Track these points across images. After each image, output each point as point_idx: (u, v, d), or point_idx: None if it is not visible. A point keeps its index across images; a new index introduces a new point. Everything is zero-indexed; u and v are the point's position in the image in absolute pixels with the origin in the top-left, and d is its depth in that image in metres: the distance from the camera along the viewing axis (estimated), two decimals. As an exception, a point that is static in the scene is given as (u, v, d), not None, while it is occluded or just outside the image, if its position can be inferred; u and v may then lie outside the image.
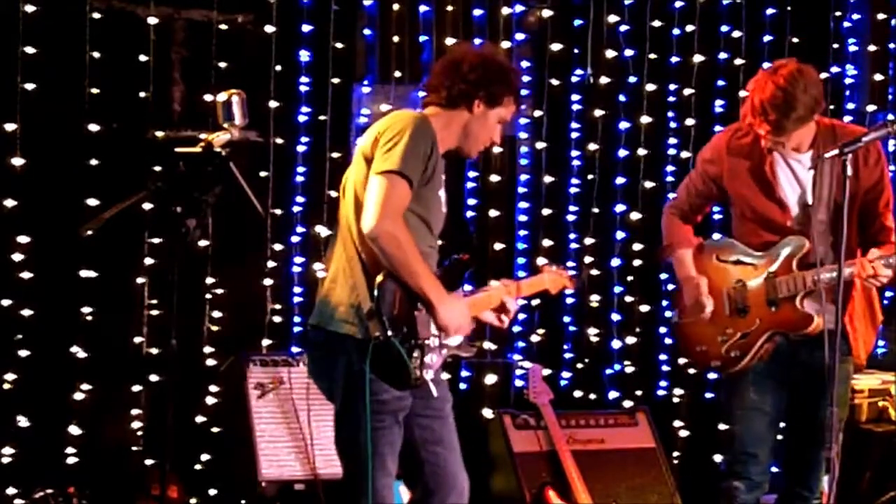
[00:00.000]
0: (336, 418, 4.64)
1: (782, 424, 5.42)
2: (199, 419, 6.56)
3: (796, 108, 5.04)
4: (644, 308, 7.37)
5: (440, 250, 4.76)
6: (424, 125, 4.57)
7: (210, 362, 6.59)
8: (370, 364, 4.44)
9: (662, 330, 7.33)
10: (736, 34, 7.48)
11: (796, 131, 5.13)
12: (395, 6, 6.90)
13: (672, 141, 7.42)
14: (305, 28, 6.72)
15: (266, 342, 6.68)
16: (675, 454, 7.22)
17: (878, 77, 7.78)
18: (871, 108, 7.73)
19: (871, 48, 7.75)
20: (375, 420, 4.48)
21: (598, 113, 7.28)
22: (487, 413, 6.81)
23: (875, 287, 5.21)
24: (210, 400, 6.57)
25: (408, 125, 4.53)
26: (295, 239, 6.74)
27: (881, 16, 7.76)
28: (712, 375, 6.88)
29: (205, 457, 6.54)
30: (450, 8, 6.92)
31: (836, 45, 7.59)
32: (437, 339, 4.59)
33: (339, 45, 6.72)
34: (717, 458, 6.92)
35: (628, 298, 7.34)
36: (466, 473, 4.74)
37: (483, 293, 4.86)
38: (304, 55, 6.73)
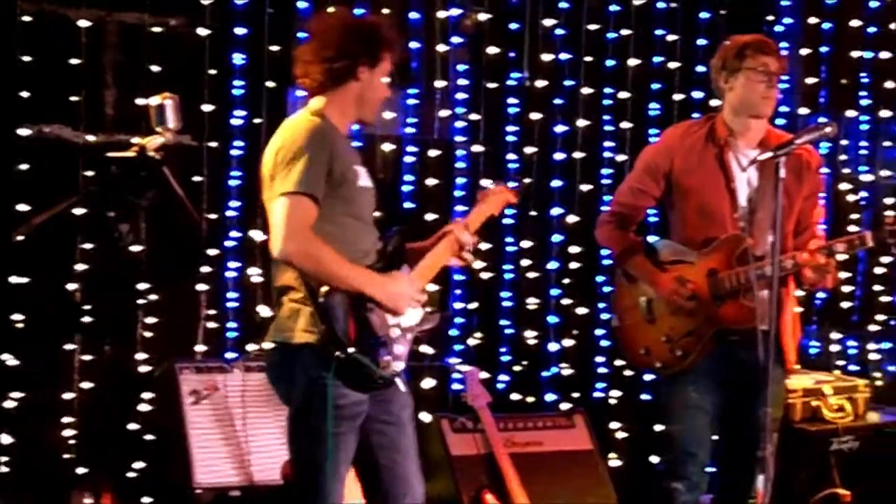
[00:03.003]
0: (291, 423, 4.61)
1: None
2: (133, 426, 6.48)
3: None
4: (581, 311, 7.37)
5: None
6: (319, 130, 4.53)
7: (143, 369, 6.52)
8: (334, 376, 4.43)
9: (599, 332, 7.35)
10: (671, 38, 7.51)
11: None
12: (331, 9, 6.85)
13: (608, 144, 7.42)
14: (239, 31, 6.66)
15: (200, 348, 6.63)
16: (613, 456, 7.22)
17: (811, 80, 7.84)
18: (803, 111, 7.79)
19: (804, 52, 7.82)
20: (332, 426, 4.46)
21: (535, 116, 7.28)
22: (425, 417, 6.79)
23: (814, 283, 5.25)
24: (143, 407, 6.49)
25: (301, 138, 4.49)
26: (230, 244, 6.68)
27: (813, 20, 7.83)
28: (649, 377, 6.94)
29: (138, 464, 6.46)
30: (386, 11, 6.88)
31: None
32: (398, 327, 4.58)
33: (273, 48, 6.68)
34: (654, 459, 6.96)
35: (565, 301, 7.34)
36: (423, 481, 4.75)
37: (433, 251, 4.82)
38: (239, 58, 6.67)
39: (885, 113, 7.97)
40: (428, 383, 6.97)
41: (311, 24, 4.81)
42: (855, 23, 7.87)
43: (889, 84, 7.93)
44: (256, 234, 6.54)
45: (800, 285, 5.40)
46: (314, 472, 4.50)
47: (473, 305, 7.16)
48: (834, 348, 7.93)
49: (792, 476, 6.43)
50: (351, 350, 4.43)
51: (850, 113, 7.95)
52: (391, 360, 4.54)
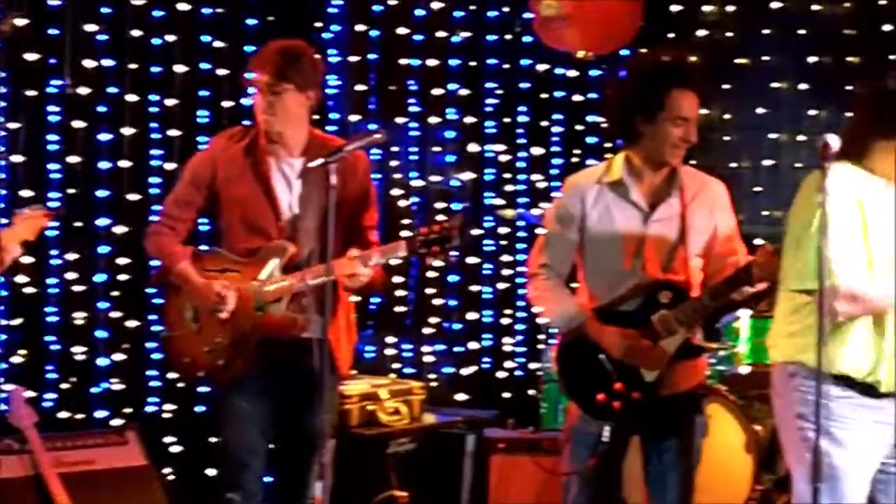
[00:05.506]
0: None
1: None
2: None
3: (303, 69, 5.26)
4: (131, 323, 7.18)
5: None
6: None
7: None
8: None
9: (151, 345, 7.18)
10: (218, 44, 7.43)
11: (290, 126, 5.25)
12: None
13: (156, 152, 7.27)
14: None
15: None
16: (168, 470, 7.08)
17: (360, 87, 7.95)
18: (354, 118, 7.88)
19: (352, 59, 7.91)
20: None
21: (78, 124, 7.05)
22: (-35, 441, 6.45)
23: (354, 289, 5.26)
24: None
25: None
26: None
27: (360, 27, 7.94)
28: (203, 389, 6.86)
29: None
30: None
31: (317, 56, 7.69)
32: None
33: None
34: (211, 471, 6.88)
35: (115, 314, 7.14)
36: None
37: None
38: None
39: (433, 119, 8.17)
40: (-33, 405, 6.63)
41: None
42: (402, 30, 8.03)
43: (437, 91, 8.14)
44: None
45: (349, 291, 5.41)
46: None
47: (16, 322, 6.87)
48: (389, 352, 8.07)
49: (349, 480, 6.48)
50: None
51: (400, 119, 8.10)
52: None
